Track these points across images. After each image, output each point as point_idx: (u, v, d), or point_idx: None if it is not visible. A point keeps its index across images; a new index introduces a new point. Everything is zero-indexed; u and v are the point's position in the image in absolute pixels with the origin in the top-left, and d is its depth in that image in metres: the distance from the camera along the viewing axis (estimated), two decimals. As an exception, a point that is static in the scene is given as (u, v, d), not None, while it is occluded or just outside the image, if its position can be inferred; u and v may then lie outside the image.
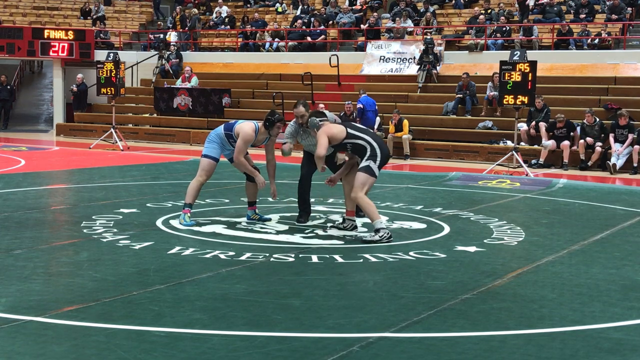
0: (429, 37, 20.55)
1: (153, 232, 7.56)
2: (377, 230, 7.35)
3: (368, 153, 7.41)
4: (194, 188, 8.05)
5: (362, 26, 23.08)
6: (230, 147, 8.14)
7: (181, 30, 25.54)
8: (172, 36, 25.28)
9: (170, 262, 6.28)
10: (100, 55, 22.04)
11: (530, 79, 14.06)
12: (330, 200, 9.95)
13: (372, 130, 7.79)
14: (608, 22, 20.32)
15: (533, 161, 15.44)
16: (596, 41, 19.77)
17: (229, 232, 7.63)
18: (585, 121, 15.33)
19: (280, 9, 26.36)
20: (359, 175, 7.38)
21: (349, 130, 7.50)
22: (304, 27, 23.70)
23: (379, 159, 7.41)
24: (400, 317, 4.88)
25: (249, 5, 27.75)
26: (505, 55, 16.11)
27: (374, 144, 7.46)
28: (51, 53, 23.50)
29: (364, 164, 7.40)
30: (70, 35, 23.61)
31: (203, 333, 4.47)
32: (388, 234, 7.37)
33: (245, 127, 8.00)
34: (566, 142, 15.25)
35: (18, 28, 24.04)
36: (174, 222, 8.10)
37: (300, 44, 23.38)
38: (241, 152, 7.97)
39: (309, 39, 23.31)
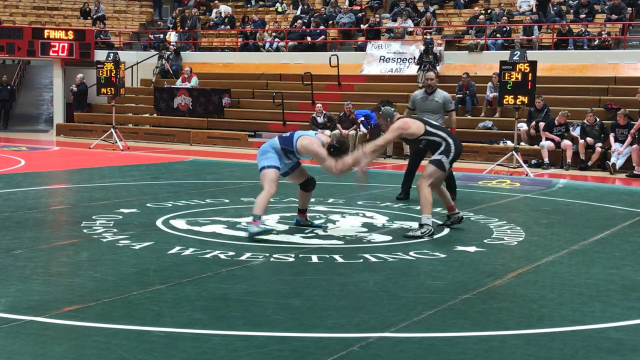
0: (428, 37, 20.56)
1: (153, 232, 7.56)
2: (421, 225, 7.61)
3: (442, 148, 7.71)
4: (265, 201, 7.41)
5: (362, 26, 23.08)
6: (288, 160, 7.68)
7: (181, 30, 25.54)
8: (172, 36, 25.28)
9: (170, 262, 6.28)
10: (100, 55, 22.05)
11: (530, 79, 14.07)
12: (330, 200, 9.94)
13: (444, 127, 8.07)
14: (608, 22, 20.32)
15: (533, 161, 15.44)
16: (596, 41, 19.77)
17: (229, 232, 7.62)
18: (586, 121, 15.34)
19: (280, 9, 26.36)
20: (429, 167, 7.68)
21: (427, 128, 7.78)
22: (304, 27, 23.70)
23: (452, 154, 7.70)
24: (400, 317, 4.88)
25: (249, 6, 27.75)
26: (505, 55, 16.11)
27: (449, 139, 7.75)
28: (51, 53, 23.50)
29: (436, 157, 7.70)
30: (70, 35, 23.62)
31: (203, 333, 4.47)
32: (431, 230, 7.59)
33: (315, 143, 7.50)
34: (567, 142, 15.25)
35: (18, 28, 24.05)
36: (174, 222, 8.10)
37: (300, 44, 23.38)
38: (326, 159, 7.44)
39: (309, 39, 23.31)
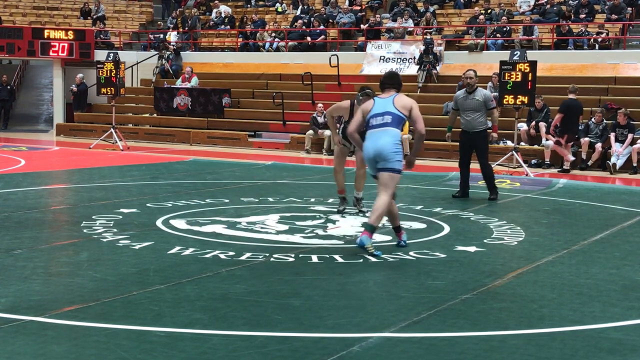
0: (428, 37, 20.55)
1: (153, 232, 7.56)
2: (360, 199, 9.05)
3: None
4: (387, 209, 6.79)
5: (362, 26, 23.08)
6: None
7: (182, 30, 25.54)
8: (172, 36, 25.27)
9: (170, 262, 6.27)
10: (100, 55, 22.04)
11: (530, 79, 14.07)
12: (330, 200, 9.94)
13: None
14: (608, 22, 20.31)
15: (533, 161, 15.44)
16: (596, 41, 19.75)
17: (229, 232, 7.62)
18: (593, 120, 15.36)
19: (280, 9, 26.36)
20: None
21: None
22: (304, 27, 23.70)
23: None
24: (400, 317, 4.88)
25: (248, 6, 27.74)
26: (505, 55, 16.11)
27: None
28: (51, 53, 23.49)
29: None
30: (70, 35, 23.61)
31: (203, 333, 4.47)
32: None
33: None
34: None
35: (18, 28, 24.04)
36: (174, 222, 8.09)
37: (300, 44, 23.38)
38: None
39: (309, 39, 23.31)
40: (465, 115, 10.46)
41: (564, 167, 14.76)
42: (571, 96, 14.53)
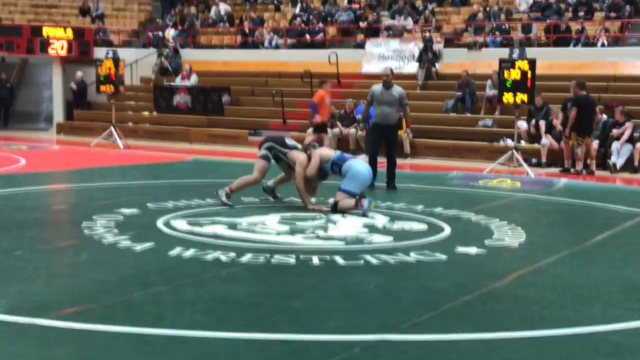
0: (427, 35, 20.54)
1: (154, 233, 7.54)
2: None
3: None
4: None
5: (361, 24, 23.06)
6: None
7: (180, 28, 25.52)
8: (170, 34, 25.24)
9: (171, 264, 6.27)
10: (99, 53, 22.03)
11: (529, 77, 14.03)
12: (330, 200, 9.92)
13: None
14: (607, 20, 20.30)
15: (533, 160, 15.42)
16: (600, 40, 19.72)
17: (230, 234, 7.60)
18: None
19: (276, 2, 26.32)
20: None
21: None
22: (302, 25, 23.68)
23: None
24: (401, 318, 4.89)
25: (247, 3, 27.71)
26: (504, 53, 16.08)
27: None
28: (50, 51, 23.47)
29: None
30: (69, 33, 23.59)
31: (204, 335, 4.47)
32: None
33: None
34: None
35: (17, 26, 24.03)
36: (175, 223, 8.08)
37: (299, 41, 23.36)
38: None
39: (308, 36, 23.30)
40: (380, 110, 11.09)
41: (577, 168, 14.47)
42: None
